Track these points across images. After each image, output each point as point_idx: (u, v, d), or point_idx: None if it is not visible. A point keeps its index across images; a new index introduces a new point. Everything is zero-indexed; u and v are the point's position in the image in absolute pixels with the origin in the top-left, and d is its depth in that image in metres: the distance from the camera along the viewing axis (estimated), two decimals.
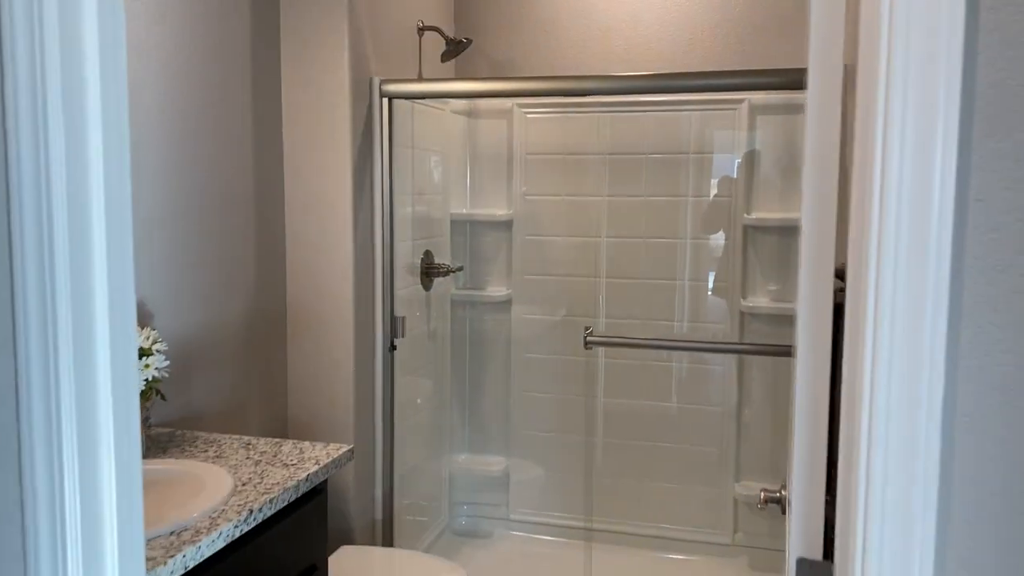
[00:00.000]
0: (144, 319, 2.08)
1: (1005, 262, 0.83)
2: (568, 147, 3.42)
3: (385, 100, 2.78)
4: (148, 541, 1.42)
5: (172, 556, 1.38)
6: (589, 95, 3.21)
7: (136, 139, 2.04)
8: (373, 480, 2.86)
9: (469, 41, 3.20)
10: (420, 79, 3.03)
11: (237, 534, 1.54)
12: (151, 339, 1.91)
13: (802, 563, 0.90)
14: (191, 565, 1.42)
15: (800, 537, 0.90)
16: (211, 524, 1.51)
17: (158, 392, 1.95)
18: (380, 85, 2.76)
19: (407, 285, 3.04)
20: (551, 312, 3.48)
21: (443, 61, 3.24)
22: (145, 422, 2.02)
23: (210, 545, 1.47)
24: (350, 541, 2.71)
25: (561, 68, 3.42)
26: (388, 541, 2.89)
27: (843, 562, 0.82)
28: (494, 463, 3.60)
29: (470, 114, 3.54)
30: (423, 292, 3.21)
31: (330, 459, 1.89)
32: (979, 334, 0.83)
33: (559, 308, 3.47)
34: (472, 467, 3.62)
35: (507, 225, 3.51)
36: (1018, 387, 0.83)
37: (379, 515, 2.88)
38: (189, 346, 2.26)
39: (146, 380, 1.87)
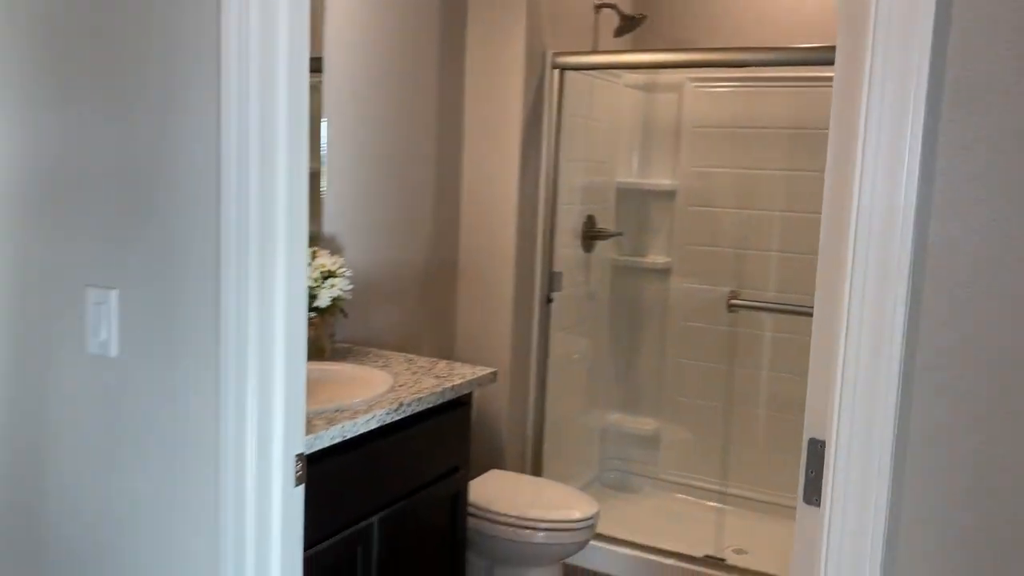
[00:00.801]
0: (336, 250, 2.47)
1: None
2: (739, 121, 3.50)
3: (557, 72, 3.03)
4: (317, 414, 1.77)
5: (332, 426, 1.71)
6: (764, 66, 3.26)
7: (336, 101, 2.42)
8: (525, 418, 3.15)
9: (643, 17, 3.37)
10: (594, 52, 3.25)
11: (387, 420, 1.86)
12: (338, 264, 2.28)
13: (812, 442, 1.06)
14: (348, 436, 1.75)
15: (811, 418, 1.05)
16: (367, 408, 1.84)
17: (341, 310, 2.33)
18: (553, 58, 3.01)
19: (568, 246, 3.28)
20: (710, 282, 3.59)
21: (616, 36, 3.43)
22: (331, 337, 2.41)
23: (364, 424, 1.79)
24: (501, 468, 3.01)
25: (739, 44, 3.50)
26: (536, 475, 3.16)
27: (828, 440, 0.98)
28: (646, 424, 3.78)
29: (642, 87, 3.71)
30: (583, 254, 3.44)
31: (474, 376, 2.18)
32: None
33: (719, 279, 3.57)
34: (624, 425, 3.82)
35: (671, 195, 3.65)
36: None
37: (529, 451, 3.17)
38: (372, 279, 2.63)
39: (332, 298, 2.24)
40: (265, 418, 1.35)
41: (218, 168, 1.31)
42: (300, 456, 1.41)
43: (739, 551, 3.20)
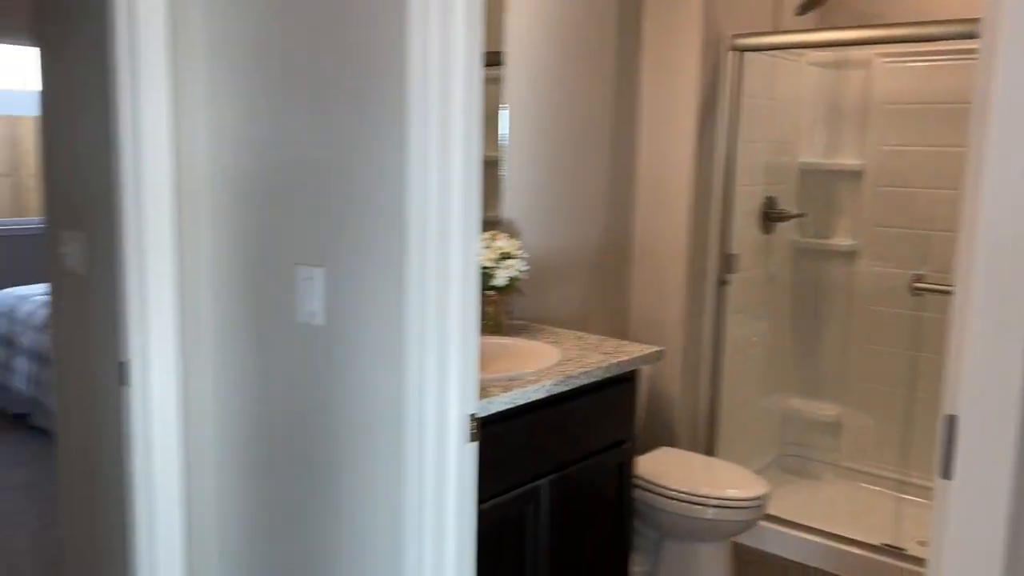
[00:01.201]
0: (513, 233, 2.65)
1: None
2: (932, 96, 3.33)
3: (734, 53, 3.03)
4: (492, 382, 1.94)
5: (505, 393, 1.88)
6: (957, 39, 3.09)
7: (515, 91, 2.59)
8: (698, 399, 3.20)
9: None
10: (774, 32, 3.21)
11: (555, 391, 2.01)
12: (515, 246, 2.45)
13: (948, 418, 1.09)
14: (518, 403, 1.91)
15: (947, 393, 1.08)
16: (538, 379, 1.99)
17: (518, 289, 2.50)
18: (731, 40, 3.01)
19: (745, 227, 3.28)
20: (897, 265, 3.45)
21: (798, 15, 3.36)
22: (508, 314, 2.59)
23: (534, 392, 1.95)
24: (672, 446, 3.09)
25: (929, 17, 3.32)
26: (709, 455, 3.21)
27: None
28: (827, 409, 3.70)
29: (827, 65, 3.60)
30: (762, 236, 3.41)
31: (640, 354, 2.28)
32: None
33: (906, 262, 3.42)
34: (804, 411, 3.75)
35: (857, 175, 3.53)
36: None
37: (702, 431, 3.22)
38: (547, 260, 2.79)
39: (508, 277, 2.41)
40: (443, 380, 1.53)
41: (403, 164, 1.50)
42: (473, 416, 1.58)
43: (924, 543, 3.08)
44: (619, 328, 3.16)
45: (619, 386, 2.26)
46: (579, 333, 2.51)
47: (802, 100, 3.58)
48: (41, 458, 3.89)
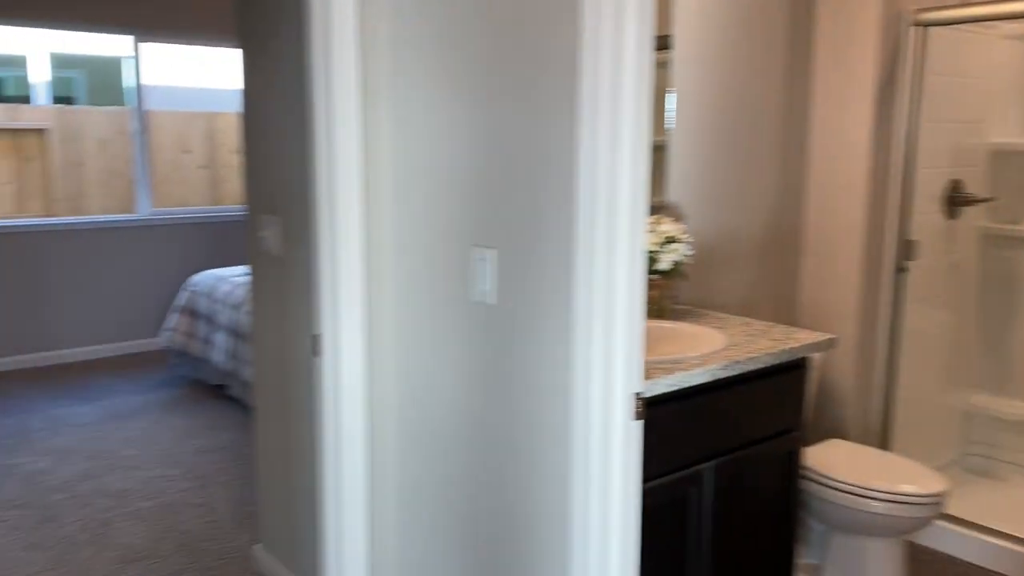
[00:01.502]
0: (678, 217, 2.65)
1: None
2: None
3: (917, 28, 2.87)
4: (656, 364, 1.97)
5: (669, 375, 1.90)
6: None
7: (683, 75, 2.58)
8: (871, 391, 3.07)
9: None
10: (963, 3, 3.01)
11: (720, 375, 2.01)
12: (680, 231, 2.46)
13: None
14: (681, 385, 1.93)
15: None
16: (702, 363, 2.00)
17: (682, 273, 2.50)
18: (913, 14, 2.86)
19: (926, 212, 3.10)
20: None
21: None
22: (673, 298, 2.60)
23: (699, 376, 1.96)
24: (843, 439, 2.98)
25: None
26: (883, 449, 3.07)
27: None
28: (1017, 407, 3.45)
29: (1023, 38, 3.34)
30: (946, 221, 3.22)
31: (810, 341, 2.23)
32: None
33: None
34: (992, 408, 3.51)
35: None
36: None
37: (876, 425, 3.09)
38: (713, 244, 2.77)
39: (673, 262, 2.42)
40: (609, 358, 1.58)
41: (573, 151, 1.55)
42: (638, 395, 1.62)
43: None
44: (787, 316, 3.09)
45: (788, 374, 2.22)
46: (746, 319, 2.48)
47: (994, 76, 3.33)
48: (239, 424, 4.27)
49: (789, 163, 2.97)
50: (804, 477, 2.54)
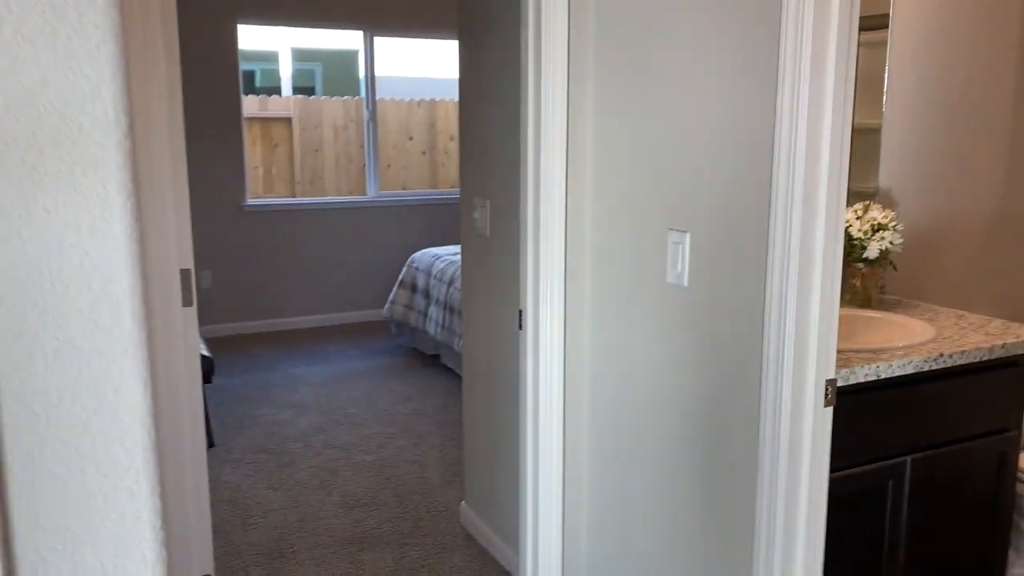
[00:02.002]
0: (889, 203, 2.55)
1: None
2: None
3: None
4: (856, 353, 1.95)
5: (869, 365, 1.88)
6: None
7: (900, 54, 2.48)
8: None
9: None
10: None
11: (924, 368, 1.94)
12: (889, 218, 2.38)
13: None
14: (883, 376, 1.89)
15: None
16: (905, 354, 1.95)
17: (891, 262, 2.42)
18: None
19: None
20: None
21: None
22: (880, 288, 2.52)
23: (900, 367, 1.91)
24: None
25: None
26: None
27: None
28: None
29: None
30: None
31: None
32: None
33: None
34: None
35: None
36: None
37: None
38: (927, 233, 2.64)
39: (880, 250, 2.35)
40: (801, 343, 1.60)
41: (771, 133, 1.58)
42: (830, 381, 1.63)
43: None
44: (1011, 311, 2.87)
45: (1004, 371, 2.10)
46: (960, 312, 2.36)
47: None
48: (450, 391, 4.60)
49: (1021, 148, 2.75)
50: (1020, 480, 2.38)
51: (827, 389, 1.63)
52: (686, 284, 1.83)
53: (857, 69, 1.61)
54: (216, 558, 2.78)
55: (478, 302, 2.77)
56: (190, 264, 1.81)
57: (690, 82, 1.78)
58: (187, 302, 1.80)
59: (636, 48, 1.94)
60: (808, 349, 1.61)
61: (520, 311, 2.19)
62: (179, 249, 1.77)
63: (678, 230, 1.84)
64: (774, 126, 1.57)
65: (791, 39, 1.52)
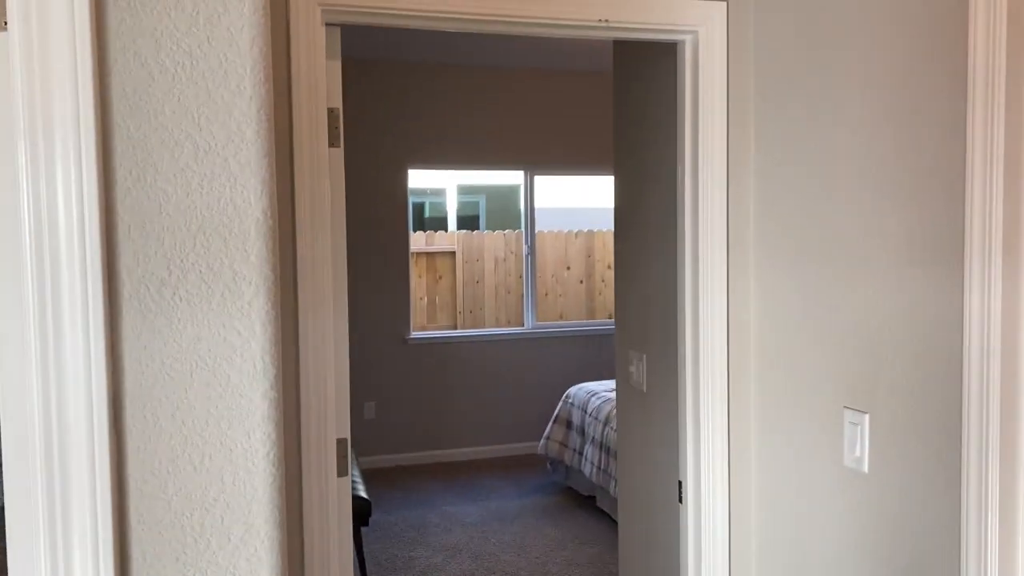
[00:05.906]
0: None
1: None
2: None
3: None
4: None
5: None
6: None
7: None
8: None
9: None
10: None
11: None
12: None
13: None
14: None
15: None
16: None
17: None
18: None
19: None
20: None
21: None
22: None
23: None
24: None
25: None
26: None
27: None
28: None
29: None
30: None
31: None
32: None
33: None
34: None
35: None
36: None
37: None
38: None
39: None
40: (988, 541, 1.39)
41: (961, 316, 1.43)
42: None
43: None
44: None
45: None
46: None
47: None
48: (605, 539, 4.40)
49: None
50: None
51: None
52: (865, 471, 1.66)
53: None
54: None
55: (635, 460, 2.65)
56: (347, 433, 1.83)
57: (869, 257, 1.66)
58: (342, 472, 1.81)
59: (792, 229, 1.84)
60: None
61: (680, 482, 2.06)
62: (337, 420, 1.80)
63: (856, 410, 1.68)
64: (963, 307, 1.43)
65: (978, 231, 1.39)
